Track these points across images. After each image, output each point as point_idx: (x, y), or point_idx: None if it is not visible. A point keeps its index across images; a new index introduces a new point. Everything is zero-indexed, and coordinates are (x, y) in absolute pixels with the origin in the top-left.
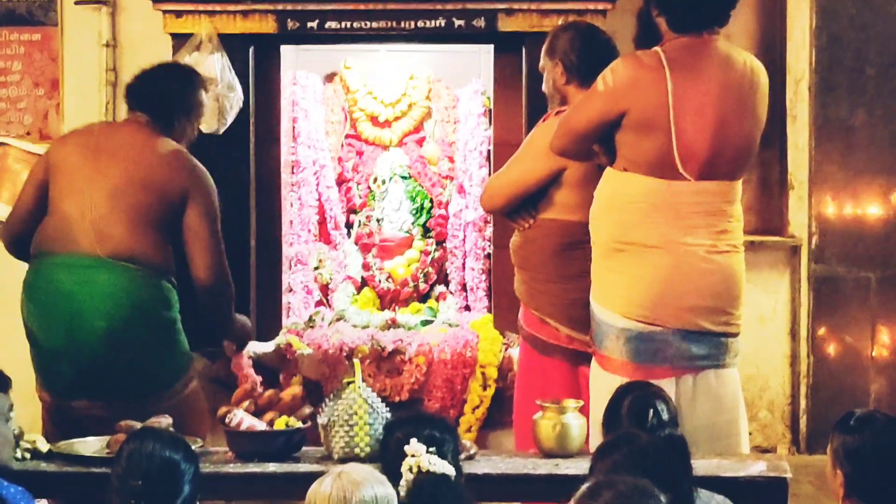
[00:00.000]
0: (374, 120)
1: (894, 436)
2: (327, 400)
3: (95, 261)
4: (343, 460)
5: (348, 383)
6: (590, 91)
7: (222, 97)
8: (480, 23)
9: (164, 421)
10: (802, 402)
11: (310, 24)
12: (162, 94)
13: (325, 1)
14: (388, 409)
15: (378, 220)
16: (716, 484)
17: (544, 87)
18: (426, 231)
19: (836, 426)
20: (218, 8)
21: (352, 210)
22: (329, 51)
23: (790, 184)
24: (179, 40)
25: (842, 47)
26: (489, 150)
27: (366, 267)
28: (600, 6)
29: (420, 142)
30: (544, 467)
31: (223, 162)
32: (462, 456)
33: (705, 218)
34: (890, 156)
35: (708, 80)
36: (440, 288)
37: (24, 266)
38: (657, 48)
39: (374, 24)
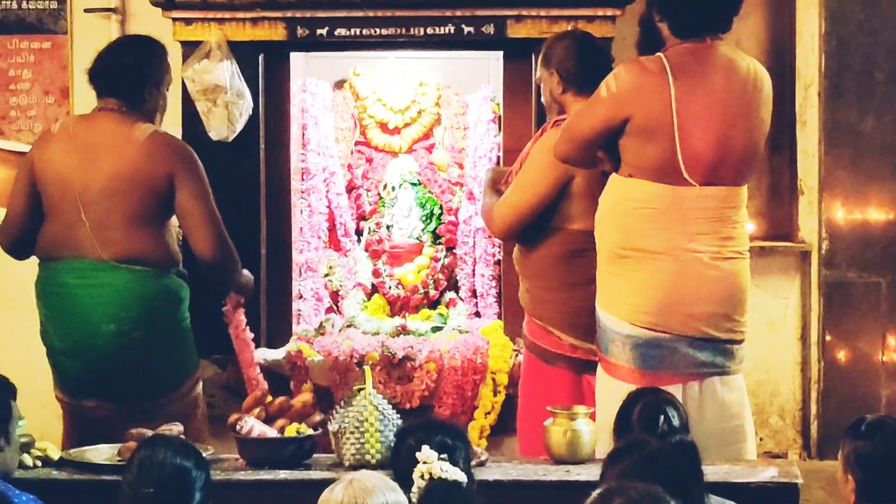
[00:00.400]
0: (383, 127)
1: None
2: (338, 407)
3: (100, 265)
4: (354, 467)
5: (359, 390)
6: (593, 97)
7: (232, 104)
8: (490, 29)
9: (175, 428)
10: (813, 408)
11: (319, 32)
12: (127, 73)
13: (334, 8)
14: (398, 415)
15: (388, 227)
16: (726, 490)
17: (542, 98)
18: (436, 237)
19: (847, 432)
20: (227, 15)
21: (362, 217)
22: (338, 58)
23: (800, 189)
24: (189, 48)
25: (851, 52)
26: (499, 157)
27: (376, 274)
28: (609, 12)
29: (430, 148)
30: (555, 474)
31: (233, 169)
32: (473, 462)
33: (710, 224)
34: None
35: (711, 85)
36: (450, 294)
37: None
38: (660, 54)
39: (384, 31)
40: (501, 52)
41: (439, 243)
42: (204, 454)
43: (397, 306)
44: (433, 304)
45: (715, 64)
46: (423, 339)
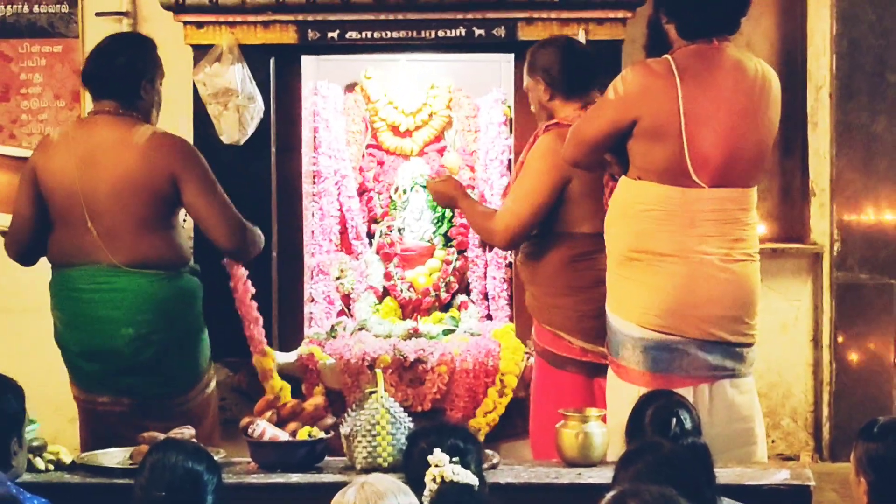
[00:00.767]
0: (394, 129)
1: None
2: (350, 410)
3: (113, 270)
4: (366, 470)
5: (370, 393)
6: (600, 100)
7: (243, 108)
8: (501, 32)
9: (187, 432)
10: (825, 410)
11: (330, 35)
12: (120, 73)
13: (345, 11)
14: (410, 418)
15: (399, 230)
16: (739, 492)
17: (532, 107)
18: (447, 240)
19: (860, 434)
20: (239, 19)
21: (373, 220)
22: (349, 61)
23: (812, 191)
24: (200, 51)
25: (862, 53)
26: (510, 160)
27: (387, 277)
28: (619, 14)
29: (441, 151)
30: (567, 476)
31: (244, 172)
32: (485, 465)
33: (720, 226)
34: None
35: (718, 86)
36: (462, 297)
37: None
38: (667, 56)
39: (395, 34)
40: (512, 55)
41: (451, 246)
42: (216, 457)
43: (409, 309)
44: (445, 307)
45: (722, 65)
46: (435, 341)
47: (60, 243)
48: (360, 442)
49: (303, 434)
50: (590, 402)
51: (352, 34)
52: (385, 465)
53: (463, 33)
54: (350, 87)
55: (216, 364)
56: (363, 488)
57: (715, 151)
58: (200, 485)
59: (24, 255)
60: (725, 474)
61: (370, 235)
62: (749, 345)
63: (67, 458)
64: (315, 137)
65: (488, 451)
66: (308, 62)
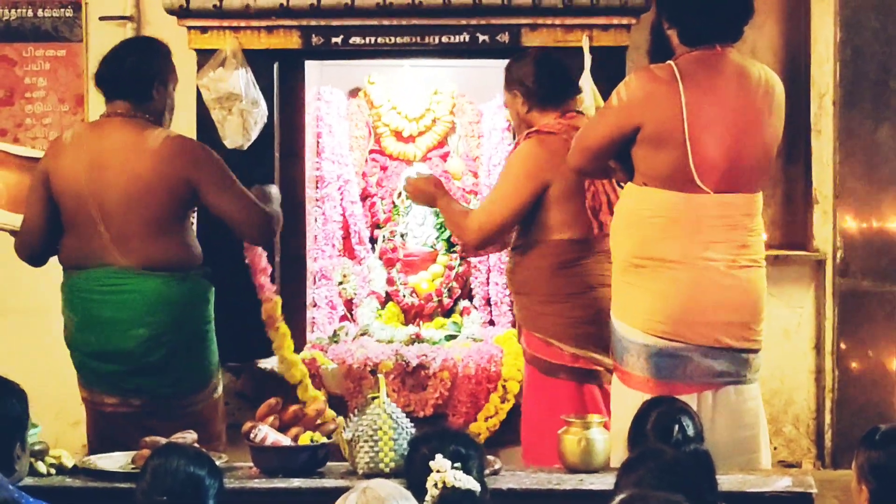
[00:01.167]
0: (398, 135)
1: None
2: (352, 415)
3: (125, 272)
4: (368, 475)
5: (373, 398)
6: (604, 107)
7: (247, 113)
8: (504, 38)
9: (189, 436)
10: (827, 417)
11: (334, 40)
12: (133, 73)
13: (349, 16)
14: (412, 424)
15: (402, 235)
16: (741, 499)
17: (512, 122)
18: (450, 246)
19: (862, 441)
20: (242, 24)
21: (376, 225)
22: (353, 66)
23: (815, 198)
24: (204, 56)
25: (866, 61)
26: None
27: (390, 282)
28: (624, 21)
29: (444, 157)
30: (569, 482)
31: (248, 177)
32: (487, 471)
33: (725, 232)
34: None
35: (722, 91)
36: (464, 303)
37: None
38: (670, 62)
39: (399, 40)
40: None
41: (453, 251)
42: (217, 462)
43: (411, 315)
44: (447, 313)
45: (725, 71)
46: (437, 347)
47: (72, 246)
48: (361, 447)
49: (305, 439)
50: (581, 408)
51: (355, 39)
52: (387, 470)
53: (467, 39)
54: (353, 93)
55: None
56: (365, 493)
57: (719, 157)
58: (202, 489)
59: (36, 257)
60: (728, 481)
61: (373, 240)
62: (754, 351)
63: (69, 462)
64: (318, 142)
65: (490, 457)
66: (312, 67)
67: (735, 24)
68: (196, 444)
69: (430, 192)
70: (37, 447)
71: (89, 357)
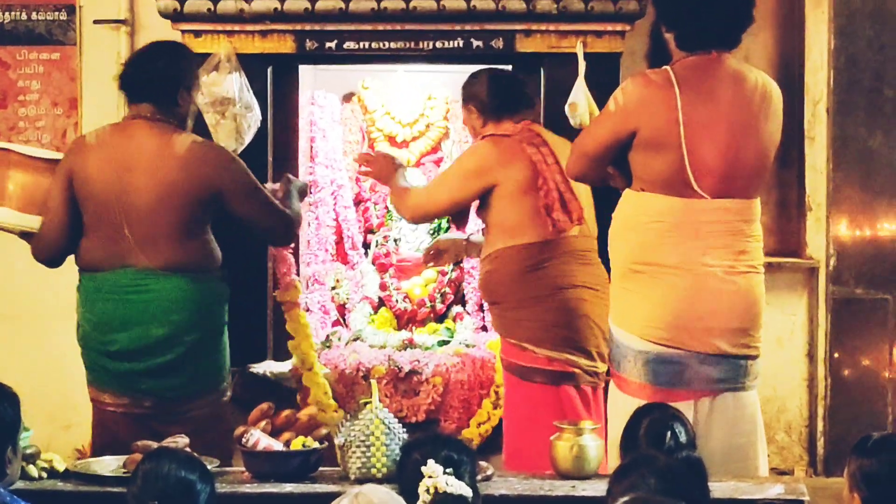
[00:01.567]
0: (391, 140)
1: None
2: (344, 420)
3: (149, 273)
4: (360, 481)
5: (365, 404)
6: (601, 112)
7: (240, 117)
8: (499, 43)
9: (181, 441)
10: (820, 425)
11: (328, 45)
12: (159, 77)
13: (343, 21)
14: (404, 429)
15: (395, 241)
16: None
17: (472, 138)
18: None
19: (854, 449)
20: (237, 28)
21: (369, 230)
22: (347, 71)
23: (808, 205)
24: (198, 60)
25: (860, 69)
26: None
27: (383, 287)
28: (618, 27)
29: (438, 162)
30: (561, 489)
31: None
32: (479, 477)
33: (724, 238)
34: None
35: (718, 96)
36: (457, 308)
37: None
38: (667, 66)
39: (393, 45)
40: (510, 67)
41: None
42: (209, 466)
43: (404, 320)
44: (440, 318)
45: (722, 76)
46: (430, 352)
47: (93, 247)
48: (354, 452)
49: (297, 444)
50: (558, 410)
51: (350, 44)
52: (379, 475)
53: (461, 44)
54: (347, 97)
55: None
56: (357, 499)
57: (715, 161)
58: (193, 494)
59: (55, 258)
60: (720, 488)
61: (366, 246)
62: (753, 357)
63: (61, 466)
64: (312, 147)
65: (482, 463)
66: (305, 72)
67: (733, 30)
68: (188, 449)
69: (388, 170)
70: (28, 451)
71: (106, 357)
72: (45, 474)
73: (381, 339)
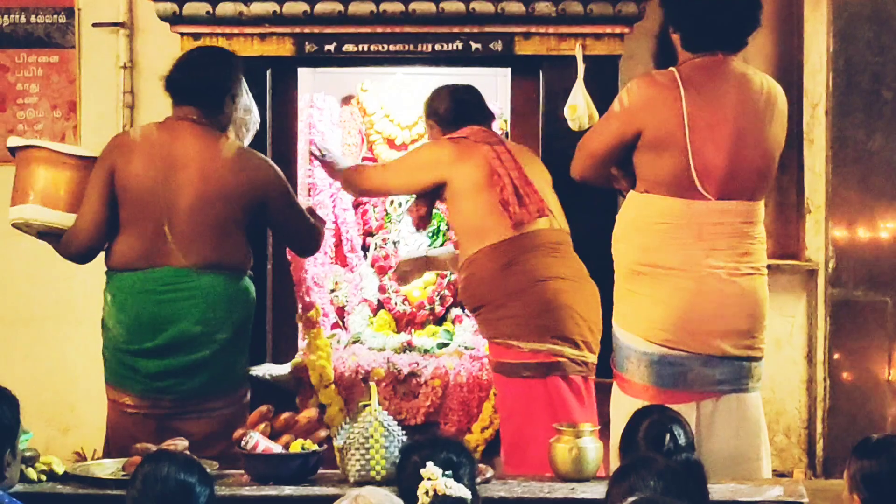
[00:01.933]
0: (390, 143)
1: None
2: (344, 423)
3: (183, 271)
4: (359, 483)
5: (364, 406)
6: (606, 113)
7: (239, 119)
8: (497, 46)
9: (181, 444)
10: (819, 427)
11: (327, 47)
12: (209, 82)
13: (342, 24)
14: (404, 432)
15: (394, 243)
16: None
17: None
18: None
19: (853, 451)
20: (236, 30)
21: (368, 233)
22: (346, 73)
23: (807, 207)
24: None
25: (859, 71)
26: None
27: (382, 290)
28: (617, 30)
29: None
30: (560, 491)
31: None
32: (478, 479)
33: (727, 239)
34: None
35: (723, 98)
36: (456, 311)
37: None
38: (673, 68)
39: (392, 47)
40: (509, 69)
41: None
42: (208, 469)
43: (403, 322)
44: (439, 321)
45: (727, 78)
46: (429, 355)
47: (128, 245)
48: (353, 455)
49: (296, 446)
50: (547, 401)
51: (349, 47)
52: (378, 478)
53: (460, 47)
54: (346, 100)
55: None
56: (356, 501)
57: (719, 162)
58: (192, 496)
59: (87, 255)
60: (719, 490)
61: (365, 248)
62: (756, 359)
63: (60, 469)
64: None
65: (481, 465)
66: (305, 74)
67: (738, 33)
68: (187, 452)
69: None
70: (27, 454)
71: (136, 356)
72: (44, 477)
73: (380, 342)
